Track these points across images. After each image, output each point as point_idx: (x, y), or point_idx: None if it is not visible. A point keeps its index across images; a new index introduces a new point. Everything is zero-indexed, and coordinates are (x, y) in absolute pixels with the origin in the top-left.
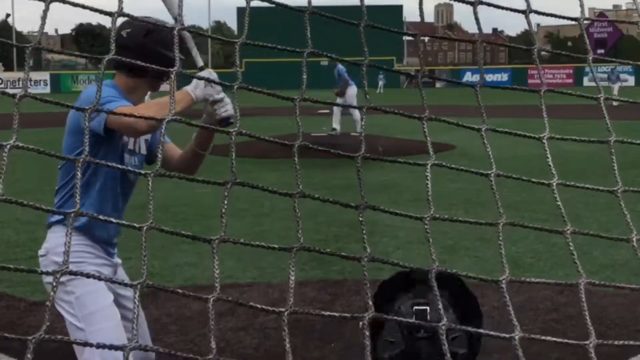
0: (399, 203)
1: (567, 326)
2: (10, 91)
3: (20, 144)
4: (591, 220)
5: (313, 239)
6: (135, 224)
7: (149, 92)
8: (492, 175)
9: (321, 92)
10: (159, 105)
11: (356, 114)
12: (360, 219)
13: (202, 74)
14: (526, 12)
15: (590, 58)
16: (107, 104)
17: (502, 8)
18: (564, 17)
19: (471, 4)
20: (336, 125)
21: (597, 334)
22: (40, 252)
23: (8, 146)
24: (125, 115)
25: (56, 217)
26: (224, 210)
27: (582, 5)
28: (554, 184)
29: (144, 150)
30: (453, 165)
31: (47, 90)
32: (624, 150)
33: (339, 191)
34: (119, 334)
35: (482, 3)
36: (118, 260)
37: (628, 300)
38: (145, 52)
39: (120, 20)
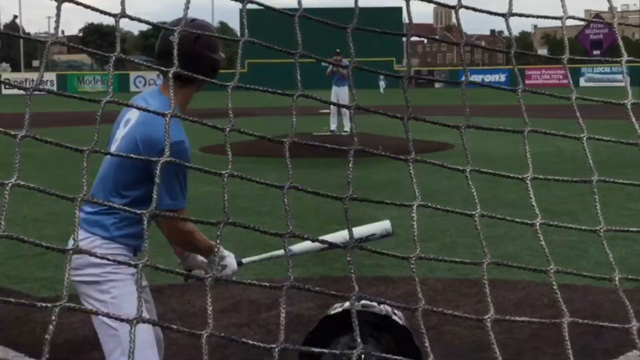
0: (398, 200)
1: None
2: (17, 92)
3: (22, 183)
4: (587, 218)
5: (314, 237)
6: (130, 262)
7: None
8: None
9: (321, 92)
10: (193, 245)
11: (346, 111)
12: (349, 258)
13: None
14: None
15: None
16: (180, 187)
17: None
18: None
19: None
20: (333, 126)
21: (593, 329)
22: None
23: (9, 184)
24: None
25: (97, 218)
26: (216, 250)
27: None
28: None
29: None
30: (439, 207)
31: (53, 89)
32: (621, 150)
33: (338, 190)
34: (151, 336)
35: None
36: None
37: (626, 308)
38: (195, 58)
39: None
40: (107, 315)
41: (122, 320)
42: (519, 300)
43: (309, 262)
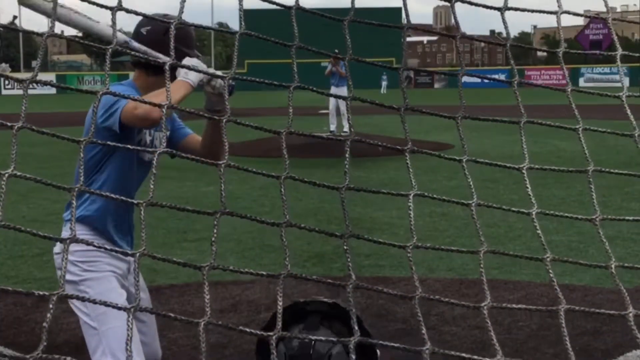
0: (397, 201)
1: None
2: (17, 92)
3: (19, 173)
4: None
5: (314, 237)
6: (127, 251)
7: None
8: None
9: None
10: (165, 94)
11: (343, 109)
12: (345, 247)
13: (190, 61)
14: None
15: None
16: (117, 102)
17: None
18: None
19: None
20: (332, 127)
21: (592, 330)
22: (55, 249)
23: (6, 175)
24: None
25: (69, 213)
26: (213, 239)
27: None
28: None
29: (163, 144)
30: (435, 196)
31: (53, 91)
32: (618, 150)
33: (337, 190)
34: (134, 339)
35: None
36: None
37: (622, 296)
38: (165, 49)
39: (137, 19)
40: (94, 302)
41: (118, 307)
42: (519, 300)
43: (308, 262)
